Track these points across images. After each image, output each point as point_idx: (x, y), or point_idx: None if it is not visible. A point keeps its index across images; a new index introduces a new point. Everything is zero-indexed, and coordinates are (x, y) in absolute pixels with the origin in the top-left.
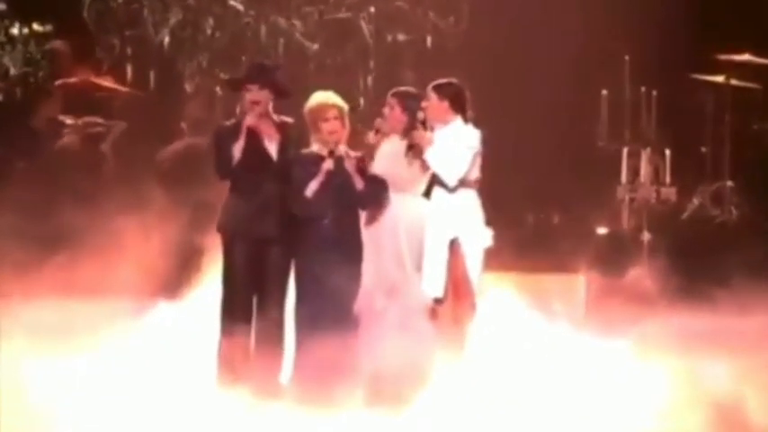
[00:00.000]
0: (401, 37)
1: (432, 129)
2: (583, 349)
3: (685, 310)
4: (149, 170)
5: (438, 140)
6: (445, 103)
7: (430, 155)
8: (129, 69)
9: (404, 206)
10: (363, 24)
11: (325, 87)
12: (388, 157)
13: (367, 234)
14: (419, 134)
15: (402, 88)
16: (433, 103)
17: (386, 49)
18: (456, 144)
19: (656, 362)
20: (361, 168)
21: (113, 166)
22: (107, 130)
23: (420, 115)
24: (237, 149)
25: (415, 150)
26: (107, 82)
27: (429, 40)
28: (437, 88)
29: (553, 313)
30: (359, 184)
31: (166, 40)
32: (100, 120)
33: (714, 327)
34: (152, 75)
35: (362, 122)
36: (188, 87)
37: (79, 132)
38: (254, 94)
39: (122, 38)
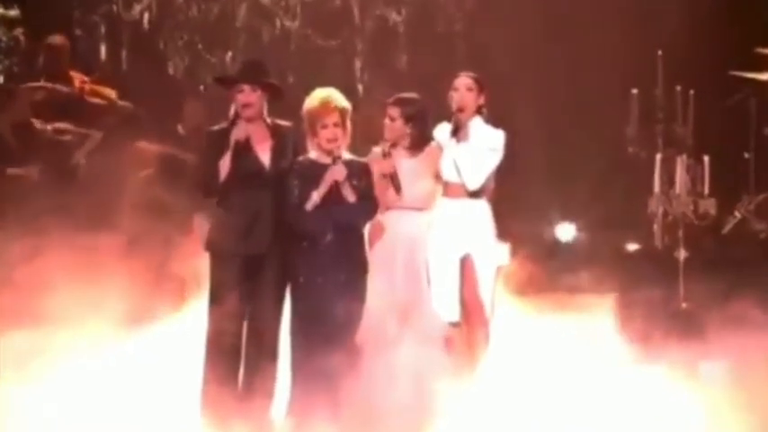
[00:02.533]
0: (395, 17)
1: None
2: (612, 379)
3: (725, 335)
4: (127, 183)
5: (454, 142)
6: (482, 99)
7: (449, 156)
8: (102, 50)
9: (420, 224)
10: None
11: (313, 71)
12: (403, 176)
13: (377, 253)
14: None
15: (402, 95)
16: (472, 97)
17: (378, 30)
18: (478, 144)
19: (694, 391)
20: (353, 182)
21: (88, 179)
22: (80, 139)
23: (480, 99)
24: (225, 164)
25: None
26: (87, 83)
27: (425, 20)
28: (477, 82)
29: (578, 340)
30: (350, 197)
31: (146, 18)
32: (72, 127)
33: (759, 355)
34: (125, 54)
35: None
36: (171, 69)
37: (47, 140)
38: (247, 95)
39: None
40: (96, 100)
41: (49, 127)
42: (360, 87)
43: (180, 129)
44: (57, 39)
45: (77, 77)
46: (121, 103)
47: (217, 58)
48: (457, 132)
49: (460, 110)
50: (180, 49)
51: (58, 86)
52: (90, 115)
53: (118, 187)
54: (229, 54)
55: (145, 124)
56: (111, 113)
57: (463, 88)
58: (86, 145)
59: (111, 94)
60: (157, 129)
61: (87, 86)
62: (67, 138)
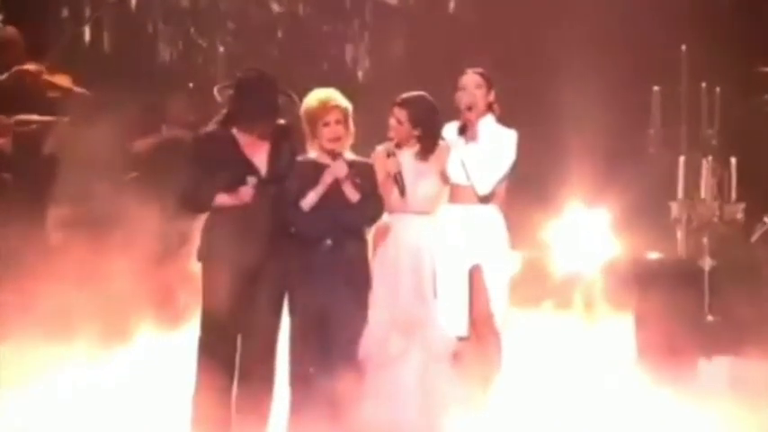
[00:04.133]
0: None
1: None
2: (630, 400)
3: (754, 350)
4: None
5: (463, 143)
6: (491, 96)
7: (457, 158)
8: (87, 32)
9: (427, 229)
10: None
11: (312, 56)
12: (408, 177)
13: (380, 260)
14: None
15: (409, 96)
16: (481, 95)
17: (376, 14)
18: (488, 144)
19: (720, 411)
20: (356, 180)
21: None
22: (45, 128)
23: (490, 96)
24: (223, 175)
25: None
26: (54, 76)
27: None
28: (485, 78)
29: (597, 356)
30: (353, 197)
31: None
32: (36, 117)
33: None
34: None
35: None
36: (163, 52)
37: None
38: (258, 129)
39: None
40: (52, 91)
41: (11, 120)
42: (359, 74)
43: (164, 131)
44: (7, 31)
45: (31, 68)
46: (78, 90)
47: (208, 42)
48: (465, 132)
49: (469, 108)
50: (169, 31)
51: (12, 79)
52: (50, 106)
53: (101, 190)
54: (221, 49)
55: (120, 114)
56: (70, 102)
57: (472, 86)
58: (55, 131)
59: (66, 81)
60: (138, 121)
61: (42, 77)
62: (33, 128)
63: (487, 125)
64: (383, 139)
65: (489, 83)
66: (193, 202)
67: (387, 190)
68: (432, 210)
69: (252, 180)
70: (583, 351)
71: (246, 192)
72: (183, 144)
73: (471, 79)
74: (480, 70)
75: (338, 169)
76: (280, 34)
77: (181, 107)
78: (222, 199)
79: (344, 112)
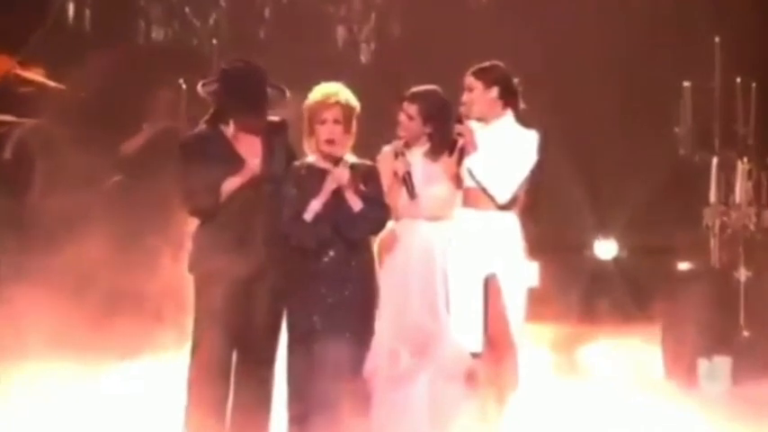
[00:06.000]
0: None
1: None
2: (660, 417)
3: None
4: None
5: (483, 142)
6: (494, 92)
7: (473, 162)
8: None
9: (438, 236)
10: None
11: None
12: (418, 179)
13: (388, 270)
14: (464, 128)
15: (420, 90)
16: (478, 94)
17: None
18: (508, 148)
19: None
20: (358, 186)
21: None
22: (7, 130)
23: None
24: (215, 176)
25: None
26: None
27: None
28: (481, 73)
29: (623, 374)
30: (356, 205)
31: None
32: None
33: None
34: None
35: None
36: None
37: None
38: (247, 124)
39: None
40: (24, 88)
41: None
42: (362, 58)
43: (144, 129)
44: None
45: (2, 62)
46: (54, 85)
47: (201, 21)
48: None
49: (467, 115)
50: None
51: None
52: (22, 105)
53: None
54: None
55: (97, 112)
56: (45, 99)
57: (466, 89)
58: (13, 136)
59: (40, 76)
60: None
61: (12, 73)
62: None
63: (506, 125)
64: (382, 134)
65: (491, 80)
66: (201, 202)
67: (394, 194)
68: (444, 214)
69: (255, 160)
70: (608, 366)
71: (253, 165)
72: (176, 134)
73: (467, 81)
74: (475, 71)
75: (340, 176)
76: (267, 14)
77: (163, 103)
78: (230, 184)
79: (346, 110)
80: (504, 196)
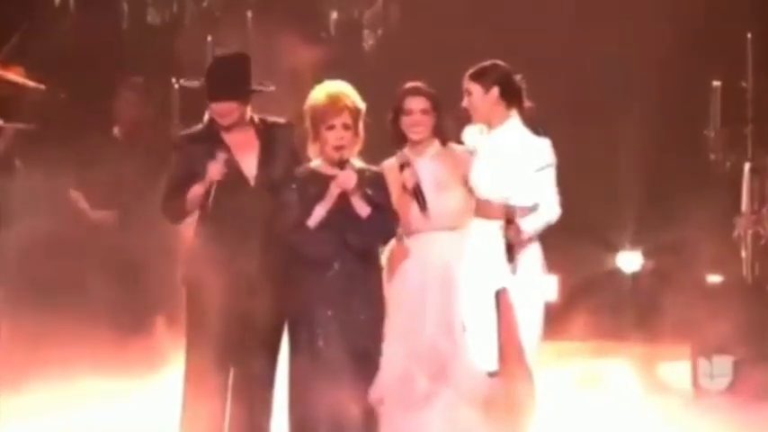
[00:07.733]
0: None
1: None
2: None
3: None
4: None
5: (488, 151)
6: (494, 94)
7: (481, 171)
8: None
9: (455, 249)
10: None
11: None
12: (428, 189)
13: (401, 286)
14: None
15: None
16: (478, 97)
17: None
18: (516, 155)
19: None
20: (365, 192)
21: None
22: None
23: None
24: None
25: None
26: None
27: None
28: (478, 75)
29: (648, 396)
30: (363, 211)
31: None
32: None
33: None
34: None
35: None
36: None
37: None
38: (222, 104)
39: None
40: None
41: None
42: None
43: (115, 132)
44: None
45: None
46: (34, 85)
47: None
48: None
49: (468, 119)
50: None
51: None
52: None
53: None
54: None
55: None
56: (26, 102)
57: (465, 93)
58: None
59: (19, 77)
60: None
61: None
62: None
63: (509, 132)
64: (382, 134)
65: (489, 81)
66: (171, 209)
67: (405, 207)
68: (459, 224)
69: (222, 155)
70: (635, 384)
71: (215, 168)
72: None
73: (464, 85)
74: (472, 74)
75: (347, 180)
76: None
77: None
78: (194, 191)
79: (355, 113)
80: (554, 211)
